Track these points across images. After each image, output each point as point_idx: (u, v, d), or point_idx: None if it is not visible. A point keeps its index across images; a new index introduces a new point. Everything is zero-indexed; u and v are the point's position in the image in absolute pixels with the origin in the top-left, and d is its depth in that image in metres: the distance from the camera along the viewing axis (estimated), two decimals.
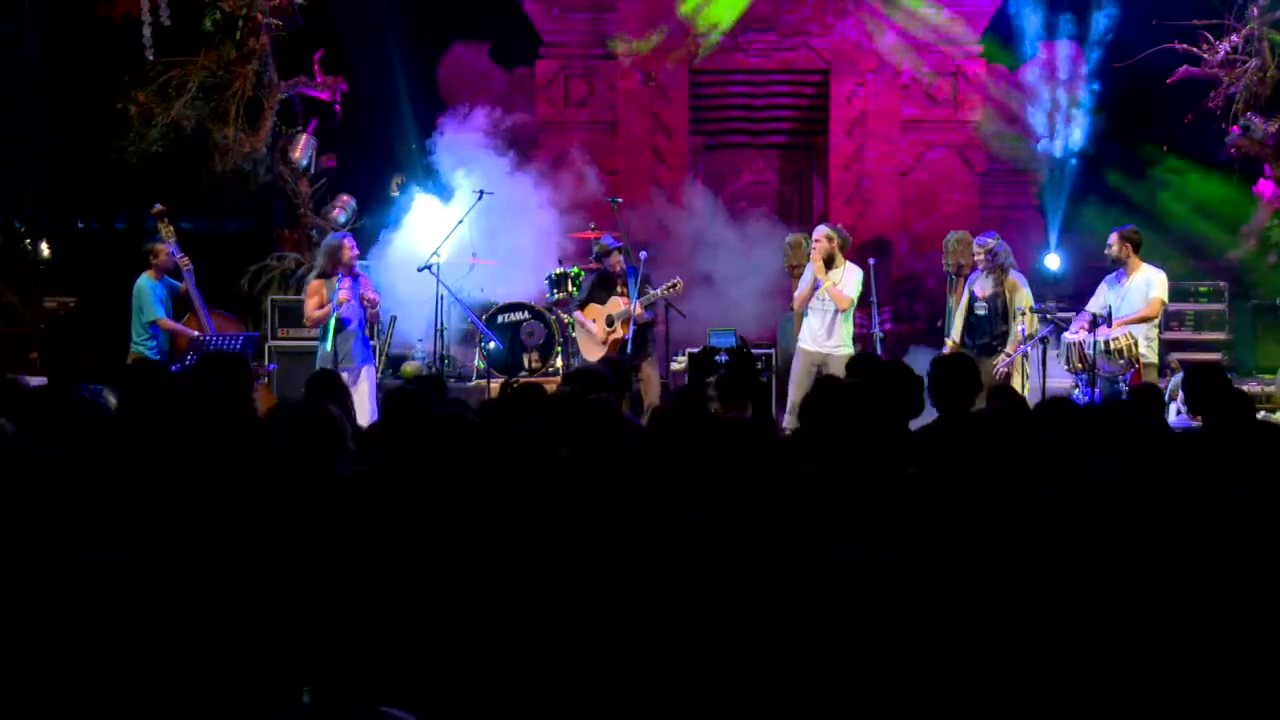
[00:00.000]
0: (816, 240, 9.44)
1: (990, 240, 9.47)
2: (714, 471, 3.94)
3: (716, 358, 5.33)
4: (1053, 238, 12.66)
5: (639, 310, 9.55)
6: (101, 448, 4.24)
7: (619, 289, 9.82)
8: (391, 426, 4.92)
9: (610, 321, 9.75)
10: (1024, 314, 9.22)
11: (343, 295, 8.77)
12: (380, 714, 2.63)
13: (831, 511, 3.89)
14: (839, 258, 9.42)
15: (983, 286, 9.44)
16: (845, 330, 9.38)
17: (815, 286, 9.36)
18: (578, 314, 10.08)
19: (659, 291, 9.59)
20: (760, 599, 3.39)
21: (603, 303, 9.86)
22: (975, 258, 9.51)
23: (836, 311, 9.31)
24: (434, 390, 5.79)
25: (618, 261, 9.89)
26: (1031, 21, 12.91)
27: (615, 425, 4.74)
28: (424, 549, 3.71)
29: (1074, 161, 12.73)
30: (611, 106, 13.40)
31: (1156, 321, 9.20)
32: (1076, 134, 12.73)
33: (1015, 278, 9.41)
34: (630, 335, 9.55)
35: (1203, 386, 5.79)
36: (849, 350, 9.36)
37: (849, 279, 9.38)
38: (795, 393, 9.22)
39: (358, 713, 2.93)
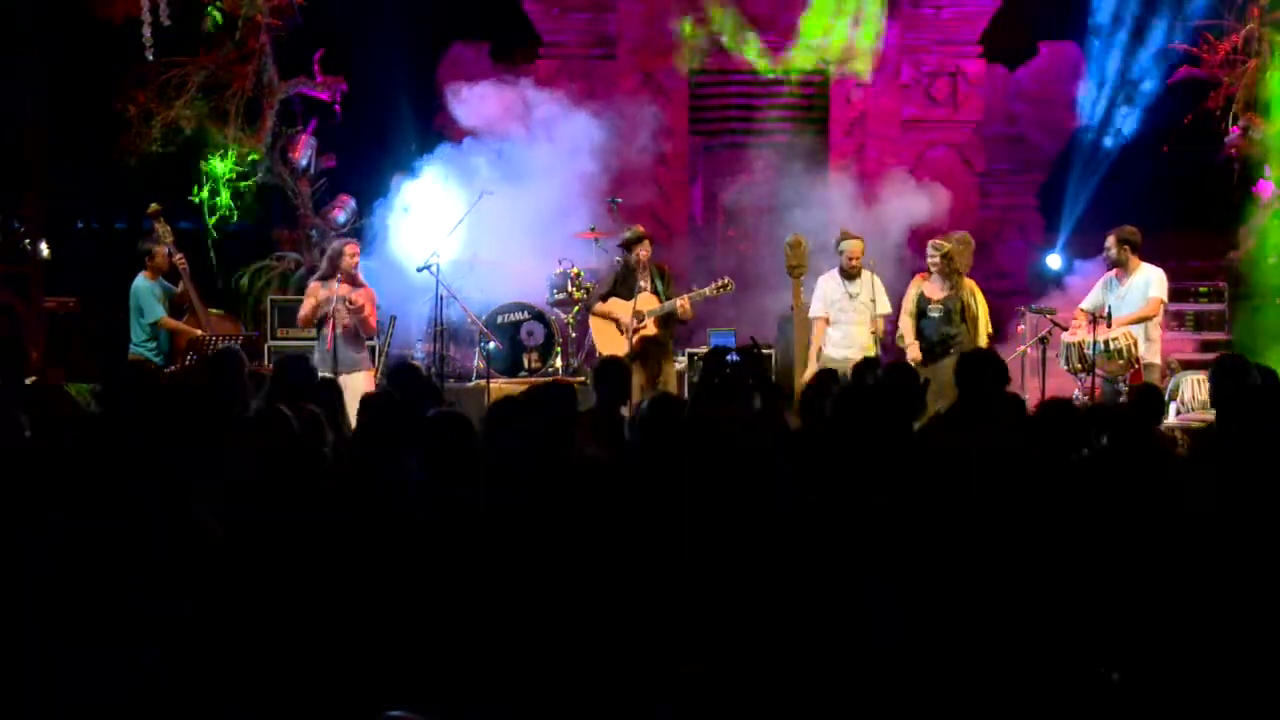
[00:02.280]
0: (854, 257, 9.49)
1: (947, 243, 9.46)
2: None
3: (728, 357, 5.33)
4: (1062, 236, 12.67)
5: (686, 309, 9.46)
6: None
7: (642, 283, 9.63)
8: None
9: (640, 317, 9.54)
10: (983, 318, 9.23)
11: (330, 292, 8.82)
12: (386, 716, 2.62)
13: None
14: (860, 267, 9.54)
15: (934, 288, 9.40)
16: (873, 337, 9.46)
17: (849, 297, 9.44)
18: (599, 306, 9.78)
19: (708, 290, 9.53)
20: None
21: (627, 297, 9.64)
22: (930, 259, 9.46)
23: (870, 317, 9.42)
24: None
25: (645, 250, 9.67)
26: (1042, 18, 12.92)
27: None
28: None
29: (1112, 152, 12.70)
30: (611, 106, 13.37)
31: (1158, 321, 9.17)
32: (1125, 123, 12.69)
33: (972, 282, 9.39)
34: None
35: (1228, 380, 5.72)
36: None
37: (881, 290, 9.50)
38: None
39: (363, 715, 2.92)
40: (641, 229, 9.90)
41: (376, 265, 11.45)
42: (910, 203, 11.55)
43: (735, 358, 5.33)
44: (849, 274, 9.51)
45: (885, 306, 9.53)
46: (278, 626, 3.43)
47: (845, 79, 13.15)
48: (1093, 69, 12.94)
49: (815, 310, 9.73)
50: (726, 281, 9.59)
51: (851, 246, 9.59)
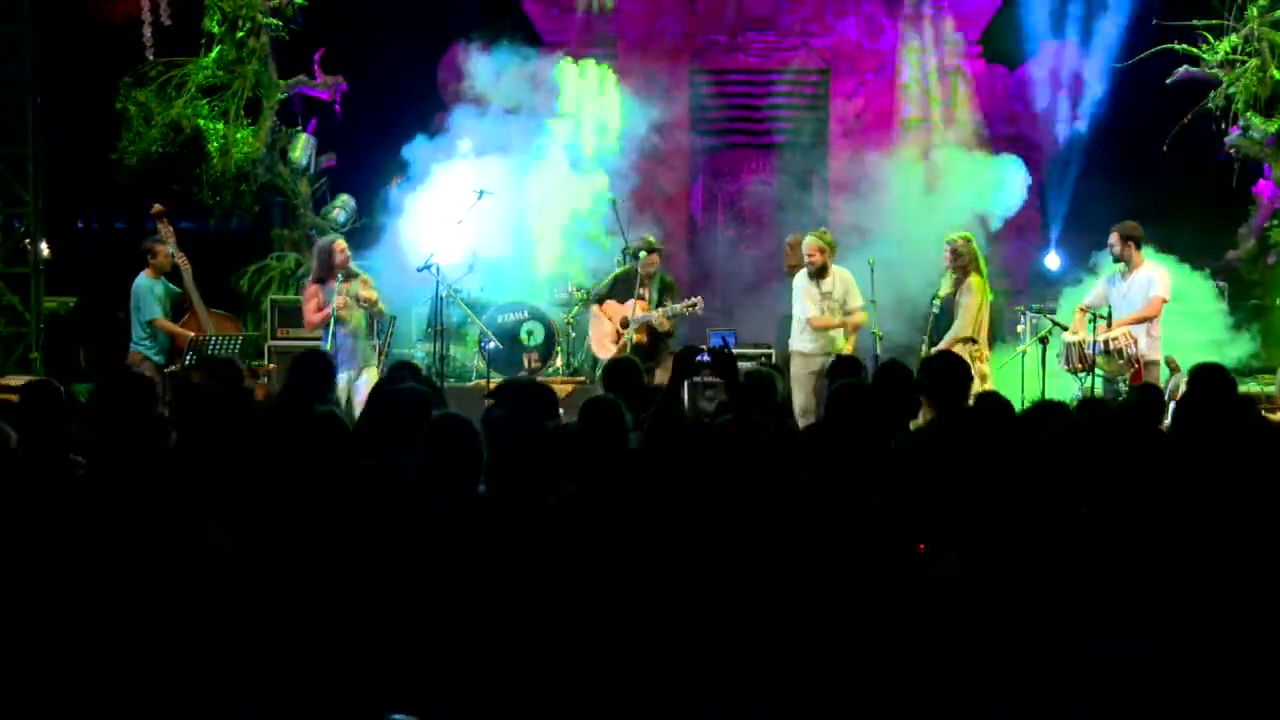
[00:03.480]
0: (811, 256, 9.45)
1: (959, 238, 9.45)
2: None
3: (698, 357, 5.32)
4: (1054, 234, 12.65)
5: (663, 321, 9.53)
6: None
7: (640, 291, 9.71)
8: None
9: (625, 323, 9.66)
10: (965, 318, 9.16)
11: (340, 300, 8.79)
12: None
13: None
14: (830, 265, 9.51)
15: (944, 285, 9.42)
16: (843, 333, 9.48)
17: (822, 295, 9.42)
18: (595, 308, 9.99)
19: (680, 308, 9.59)
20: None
21: (622, 301, 9.75)
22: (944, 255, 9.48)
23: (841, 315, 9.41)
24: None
25: (653, 263, 9.77)
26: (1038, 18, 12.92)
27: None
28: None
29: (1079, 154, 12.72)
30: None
31: (1159, 319, 9.16)
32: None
33: (974, 280, 9.32)
34: (645, 341, 9.57)
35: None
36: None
37: (853, 285, 9.48)
38: (800, 396, 9.24)
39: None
40: (652, 240, 9.98)
41: (381, 265, 11.45)
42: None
43: (705, 358, 5.32)
44: (814, 274, 9.49)
45: (857, 301, 9.51)
46: (280, 626, 3.43)
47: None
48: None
49: (802, 311, 9.66)
50: (695, 301, 9.63)
51: (810, 242, 9.57)
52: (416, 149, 11.71)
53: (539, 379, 10.04)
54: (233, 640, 3.34)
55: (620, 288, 9.82)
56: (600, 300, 9.94)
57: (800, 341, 9.51)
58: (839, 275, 9.54)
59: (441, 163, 11.51)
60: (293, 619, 3.45)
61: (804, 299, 9.56)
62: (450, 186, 11.22)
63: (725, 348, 5.32)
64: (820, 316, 9.50)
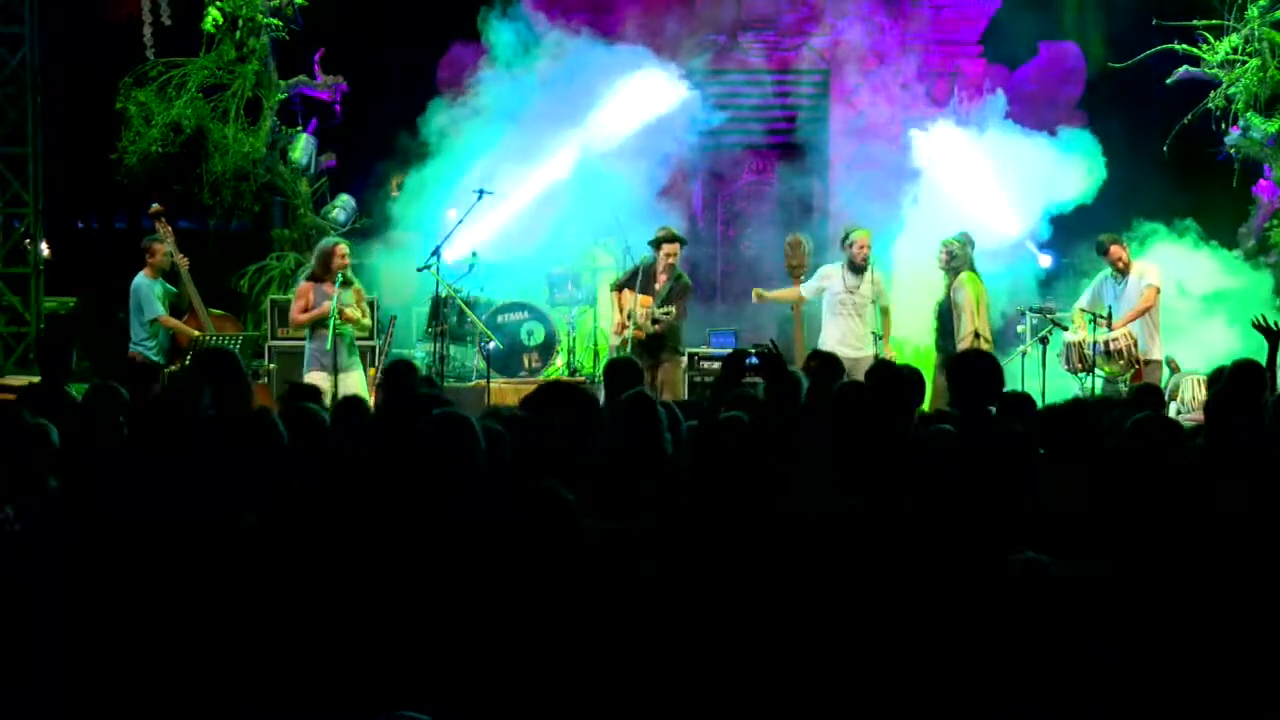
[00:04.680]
0: (864, 249, 9.51)
1: (954, 241, 9.51)
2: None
3: (747, 360, 5.36)
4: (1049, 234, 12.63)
5: (647, 324, 9.55)
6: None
7: (656, 286, 9.74)
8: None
9: (630, 316, 9.68)
10: (967, 314, 9.21)
11: (327, 304, 8.77)
12: (398, 717, 2.61)
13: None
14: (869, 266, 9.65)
15: (944, 287, 9.56)
16: (873, 337, 9.56)
17: (848, 291, 9.51)
18: (613, 295, 10.09)
19: (659, 313, 9.59)
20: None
21: (641, 291, 9.75)
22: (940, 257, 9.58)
23: (870, 314, 9.53)
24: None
25: (673, 253, 9.77)
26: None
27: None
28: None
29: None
30: None
31: (1157, 309, 9.25)
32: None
33: (964, 276, 9.40)
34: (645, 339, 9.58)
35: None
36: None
37: (884, 286, 9.69)
38: None
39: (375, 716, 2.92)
40: (672, 231, 9.97)
41: (381, 263, 11.45)
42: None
43: (754, 360, 5.34)
44: (856, 267, 9.55)
45: (886, 300, 9.62)
46: (287, 625, 3.44)
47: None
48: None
49: (803, 286, 9.86)
50: (669, 310, 9.60)
51: (861, 236, 9.60)
52: (435, 113, 11.65)
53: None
54: (242, 639, 3.34)
55: (638, 281, 9.82)
56: (619, 289, 9.98)
57: (827, 343, 9.45)
58: (874, 277, 9.58)
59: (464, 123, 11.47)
60: (301, 617, 3.46)
61: (816, 280, 9.62)
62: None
63: (773, 349, 5.33)
64: (777, 291, 9.98)
